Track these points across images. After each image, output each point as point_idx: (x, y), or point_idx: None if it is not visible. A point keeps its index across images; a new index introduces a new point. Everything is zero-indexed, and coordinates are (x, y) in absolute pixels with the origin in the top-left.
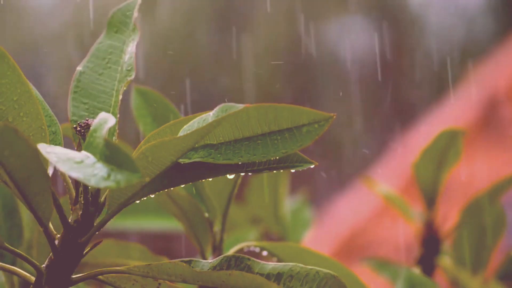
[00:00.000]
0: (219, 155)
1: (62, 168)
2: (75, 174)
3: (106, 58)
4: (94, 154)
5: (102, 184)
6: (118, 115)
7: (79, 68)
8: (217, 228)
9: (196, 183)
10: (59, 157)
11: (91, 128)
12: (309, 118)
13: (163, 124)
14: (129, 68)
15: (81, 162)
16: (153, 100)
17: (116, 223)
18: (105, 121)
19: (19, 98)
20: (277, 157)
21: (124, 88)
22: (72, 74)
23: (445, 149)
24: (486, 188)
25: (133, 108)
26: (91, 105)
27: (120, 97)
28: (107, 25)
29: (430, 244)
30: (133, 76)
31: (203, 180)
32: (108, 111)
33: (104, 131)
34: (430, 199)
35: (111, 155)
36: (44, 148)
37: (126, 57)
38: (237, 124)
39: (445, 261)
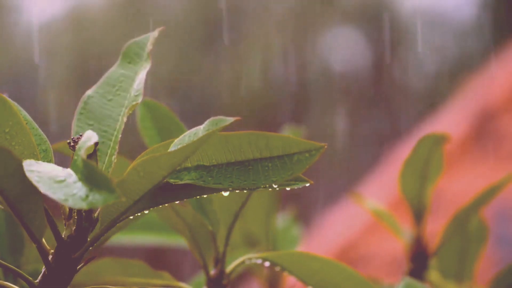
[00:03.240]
0: (210, 179)
1: (41, 188)
2: (54, 195)
3: (117, 86)
4: (76, 172)
5: (79, 205)
6: (120, 137)
7: (88, 92)
8: (220, 242)
9: (201, 198)
10: (41, 176)
11: (77, 146)
12: (300, 148)
13: (167, 137)
14: (137, 94)
15: (63, 181)
16: (159, 113)
17: (120, 238)
18: (89, 139)
19: (11, 130)
20: (267, 185)
21: (130, 112)
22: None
23: (427, 158)
24: (468, 201)
25: (138, 120)
26: (96, 128)
27: (125, 119)
28: (121, 55)
29: (418, 260)
30: (140, 101)
31: (212, 195)
32: (112, 135)
33: (83, 150)
34: (418, 214)
35: (89, 175)
36: (29, 166)
37: (136, 83)
38: (229, 147)
39: (434, 275)
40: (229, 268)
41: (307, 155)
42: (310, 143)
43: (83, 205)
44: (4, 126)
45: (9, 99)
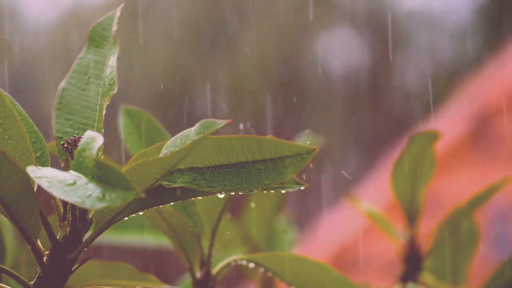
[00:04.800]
0: (203, 181)
1: (55, 193)
2: (69, 198)
3: (88, 73)
4: (85, 174)
5: (98, 205)
6: (103, 130)
7: (62, 84)
8: (205, 243)
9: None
10: (51, 181)
11: (79, 147)
12: (292, 151)
13: (150, 143)
14: (111, 82)
15: (74, 183)
16: (141, 120)
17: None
18: (93, 139)
19: (4, 122)
20: (259, 189)
21: (107, 103)
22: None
23: (418, 157)
24: (461, 203)
25: (120, 127)
26: (75, 121)
27: (104, 112)
28: (87, 39)
29: (412, 261)
30: (115, 90)
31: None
32: (92, 126)
33: (94, 151)
34: (411, 215)
35: (103, 175)
36: (34, 172)
37: (108, 70)
38: (221, 150)
39: (427, 277)
40: (215, 270)
41: (299, 158)
42: (301, 146)
43: (102, 205)
44: None
45: (2, 92)
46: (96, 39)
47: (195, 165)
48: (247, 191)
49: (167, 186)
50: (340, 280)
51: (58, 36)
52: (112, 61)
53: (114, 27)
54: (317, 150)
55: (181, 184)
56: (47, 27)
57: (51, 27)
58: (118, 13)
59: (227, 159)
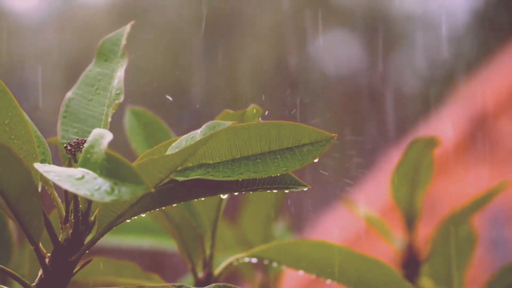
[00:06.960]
0: (217, 173)
1: (65, 185)
2: (78, 191)
3: (96, 85)
4: (93, 170)
5: (107, 198)
6: None
7: (68, 94)
8: (207, 244)
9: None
10: (60, 176)
11: (86, 145)
12: (311, 138)
13: (155, 144)
14: (118, 92)
15: (82, 178)
16: (146, 120)
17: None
18: (102, 136)
19: (10, 121)
20: (278, 174)
21: (113, 111)
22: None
23: (417, 163)
24: (458, 207)
25: (126, 128)
26: (81, 129)
27: (109, 119)
28: (96, 54)
29: (410, 266)
30: (121, 99)
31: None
32: None
33: (104, 145)
34: (409, 219)
35: (113, 168)
36: (42, 168)
37: (115, 82)
38: (236, 142)
39: (426, 282)
40: (217, 270)
41: (317, 145)
42: (320, 133)
43: (111, 198)
44: (4, 117)
45: (9, 91)
46: (105, 53)
47: (204, 161)
48: (265, 176)
49: (180, 180)
50: (345, 252)
51: (51, 37)
52: (120, 72)
53: (124, 42)
54: (335, 137)
55: (195, 176)
56: (41, 28)
57: (45, 27)
58: (128, 29)
59: (240, 152)
